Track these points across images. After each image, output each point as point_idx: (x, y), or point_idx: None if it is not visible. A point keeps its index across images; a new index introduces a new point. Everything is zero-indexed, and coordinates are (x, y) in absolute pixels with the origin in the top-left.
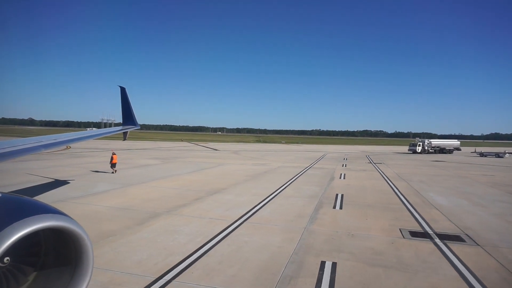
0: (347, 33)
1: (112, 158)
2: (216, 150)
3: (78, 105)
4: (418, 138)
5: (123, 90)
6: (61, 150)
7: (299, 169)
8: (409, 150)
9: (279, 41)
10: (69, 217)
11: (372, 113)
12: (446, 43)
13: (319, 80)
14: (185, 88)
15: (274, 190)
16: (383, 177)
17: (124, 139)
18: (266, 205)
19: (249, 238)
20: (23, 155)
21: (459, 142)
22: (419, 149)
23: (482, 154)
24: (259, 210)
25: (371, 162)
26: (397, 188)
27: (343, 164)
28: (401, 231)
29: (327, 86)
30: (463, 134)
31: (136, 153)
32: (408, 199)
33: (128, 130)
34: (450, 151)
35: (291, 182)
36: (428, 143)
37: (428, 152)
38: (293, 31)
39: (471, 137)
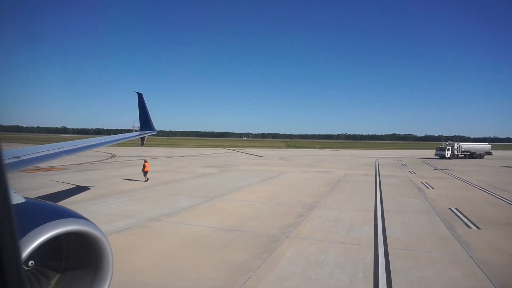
0: (372, 39)
1: (144, 166)
2: (261, 156)
3: (109, 113)
4: (446, 142)
5: (140, 96)
6: (109, 159)
7: (370, 177)
8: (436, 155)
9: (303, 46)
10: (90, 221)
11: (400, 116)
12: (478, 42)
13: (344, 84)
14: (207, 94)
15: (373, 204)
16: (473, 186)
17: (142, 144)
18: (387, 224)
19: (423, 273)
20: (46, 160)
21: (490, 145)
22: (448, 153)
23: None
24: (387, 231)
25: (436, 169)
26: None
27: (409, 171)
28: None
29: (353, 89)
30: (498, 136)
31: (184, 161)
32: None
33: (146, 135)
34: (480, 156)
35: (380, 193)
36: (457, 147)
37: (458, 157)
38: (317, 36)
39: (508, 140)
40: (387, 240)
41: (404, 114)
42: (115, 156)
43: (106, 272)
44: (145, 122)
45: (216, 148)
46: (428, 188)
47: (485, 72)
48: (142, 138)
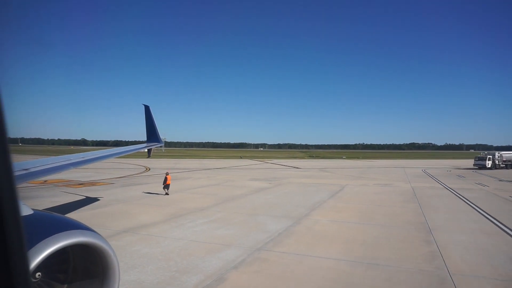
0: (389, 48)
1: (166, 179)
2: (298, 168)
3: (126, 124)
4: (484, 152)
5: (147, 109)
6: (145, 172)
7: (443, 191)
8: (474, 165)
9: (319, 56)
10: (97, 233)
11: (418, 124)
12: (497, 50)
13: (360, 93)
14: (222, 106)
15: (492, 225)
16: None
17: (149, 156)
18: None
19: None
20: (54, 173)
21: None
22: (489, 163)
23: None
24: None
25: (502, 180)
26: None
27: (476, 183)
28: None
29: (368, 98)
30: None
31: (225, 174)
32: None
33: (153, 147)
34: None
35: (484, 212)
36: (499, 157)
37: (499, 167)
38: (331, 46)
39: None
40: None
41: (423, 123)
42: (149, 169)
43: (112, 284)
44: (152, 134)
45: (243, 159)
46: None
47: (506, 79)
48: (149, 150)
